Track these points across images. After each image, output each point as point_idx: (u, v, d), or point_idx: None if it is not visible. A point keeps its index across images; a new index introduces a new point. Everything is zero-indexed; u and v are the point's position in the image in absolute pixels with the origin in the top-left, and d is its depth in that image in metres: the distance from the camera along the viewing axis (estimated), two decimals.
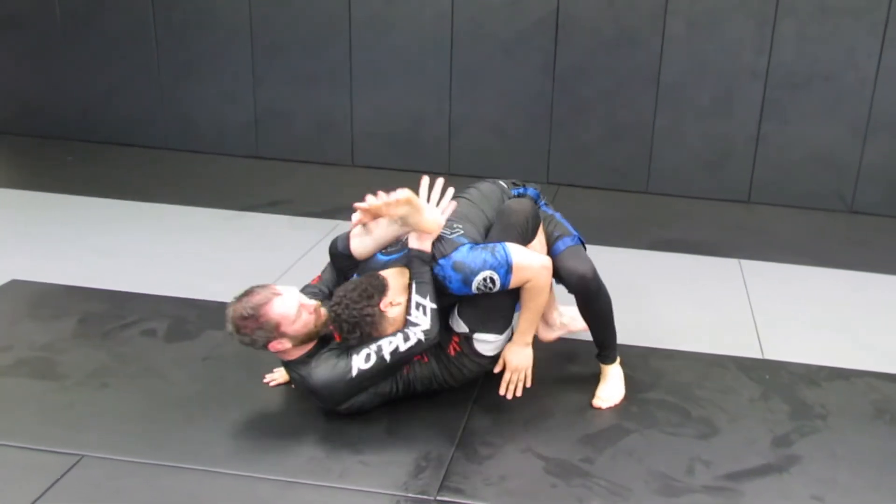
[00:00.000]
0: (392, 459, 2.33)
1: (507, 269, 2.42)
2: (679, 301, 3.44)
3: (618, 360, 2.72)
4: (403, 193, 2.39)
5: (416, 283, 2.42)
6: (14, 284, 3.33)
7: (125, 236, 3.91)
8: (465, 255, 2.43)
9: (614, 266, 3.75)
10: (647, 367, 2.87)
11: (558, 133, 4.81)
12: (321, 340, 2.48)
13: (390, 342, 2.37)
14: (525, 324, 2.55)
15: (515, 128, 4.85)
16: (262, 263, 3.57)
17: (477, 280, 2.42)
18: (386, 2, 4.76)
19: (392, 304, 2.40)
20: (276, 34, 4.93)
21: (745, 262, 3.85)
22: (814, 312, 3.38)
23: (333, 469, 2.28)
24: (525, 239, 2.55)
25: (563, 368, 2.85)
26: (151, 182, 4.68)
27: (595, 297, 2.60)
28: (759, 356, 2.99)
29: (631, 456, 2.39)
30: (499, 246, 2.45)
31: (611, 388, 2.68)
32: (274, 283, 2.46)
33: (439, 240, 2.47)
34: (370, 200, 2.41)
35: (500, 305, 2.52)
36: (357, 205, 2.44)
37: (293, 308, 2.37)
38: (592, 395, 2.67)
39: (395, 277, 2.44)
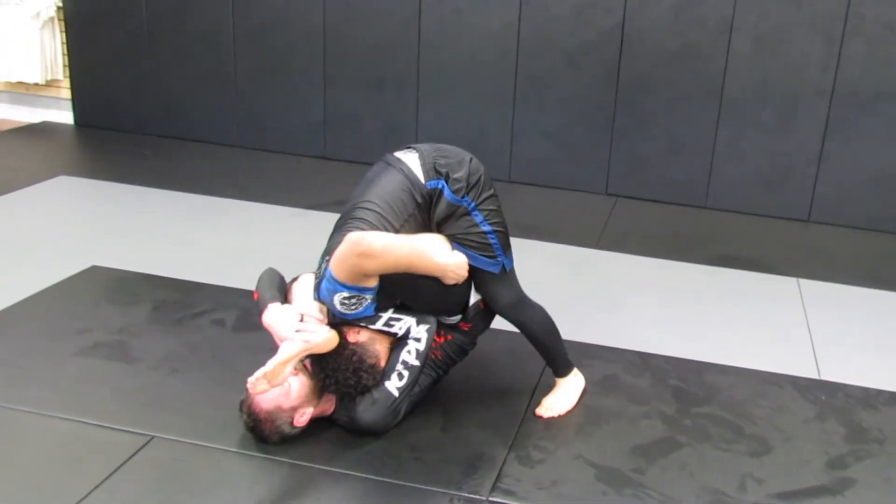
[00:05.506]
0: (446, 458, 2.39)
1: (334, 281, 2.26)
2: (736, 317, 3.43)
3: (572, 371, 2.68)
4: (277, 364, 2.21)
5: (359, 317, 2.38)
6: (94, 270, 3.48)
7: (197, 229, 4.05)
8: (322, 297, 2.35)
9: (671, 280, 3.79)
10: (701, 381, 2.88)
11: (619, 144, 4.83)
12: None
13: (408, 352, 2.42)
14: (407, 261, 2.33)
15: (577, 138, 4.88)
16: None
17: (339, 309, 2.31)
18: (455, 11, 4.84)
19: (357, 332, 2.41)
20: (348, 39, 5.04)
21: (803, 281, 3.82)
22: (873, 335, 3.34)
23: (389, 464, 2.34)
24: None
25: (616, 379, 2.88)
26: (223, 178, 4.82)
27: (524, 325, 2.56)
28: (815, 376, 2.98)
29: (683, 469, 2.41)
30: (326, 270, 2.31)
31: (556, 398, 2.65)
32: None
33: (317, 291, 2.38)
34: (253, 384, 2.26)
35: (452, 294, 2.47)
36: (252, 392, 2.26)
37: (274, 390, 2.28)
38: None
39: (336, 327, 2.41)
